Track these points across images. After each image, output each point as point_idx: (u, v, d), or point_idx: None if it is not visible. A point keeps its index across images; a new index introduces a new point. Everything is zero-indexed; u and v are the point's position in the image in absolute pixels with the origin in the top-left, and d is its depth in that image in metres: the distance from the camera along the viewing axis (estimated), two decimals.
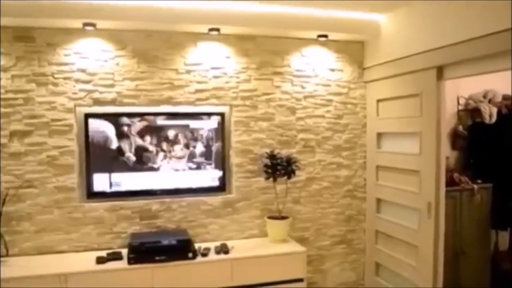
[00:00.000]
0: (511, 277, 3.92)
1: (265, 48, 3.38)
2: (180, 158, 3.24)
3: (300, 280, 3.11)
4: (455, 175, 3.90)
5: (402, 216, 3.30)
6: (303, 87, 3.50)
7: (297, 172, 3.34)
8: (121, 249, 3.04)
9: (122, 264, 2.81)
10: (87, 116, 3.07)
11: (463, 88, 4.12)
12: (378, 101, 3.54)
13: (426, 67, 2.93)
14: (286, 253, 3.12)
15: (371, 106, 3.62)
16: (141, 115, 3.16)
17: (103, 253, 2.94)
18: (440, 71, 2.88)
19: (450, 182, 3.57)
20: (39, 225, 3.01)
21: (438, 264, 2.96)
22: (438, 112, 2.92)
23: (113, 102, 3.09)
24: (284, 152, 3.39)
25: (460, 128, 4.17)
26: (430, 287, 2.96)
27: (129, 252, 2.82)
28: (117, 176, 3.13)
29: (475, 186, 3.86)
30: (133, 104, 3.13)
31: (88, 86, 3.04)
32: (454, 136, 4.18)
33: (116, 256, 2.89)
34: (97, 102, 3.06)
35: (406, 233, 3.23)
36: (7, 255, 2.88)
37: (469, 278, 3.78)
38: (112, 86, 3.08)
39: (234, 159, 3.36)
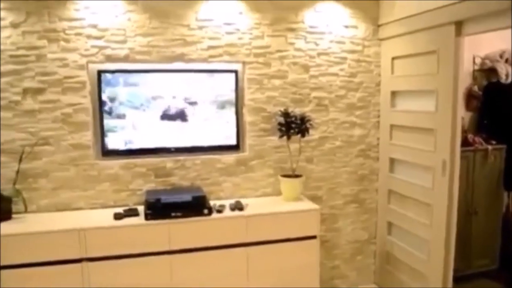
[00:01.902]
0: None
1: (278, 3, 3.30)
2: (193, 116, 3.22)
3: (313, 237, 3.13)
4: (469, 135, 3.89)
5: (416, 175, 3.30)
6: (316, 44, 3.43)
7: (310, 131, 3.32)
8: (137, 206, 3.08)
9: (139, 220, 2.84)
10: (100, 73, 3.04)
11: (479, 47, 4.05)
12: (393, 58, 3.47)
13: (444, 23, 2.85)
14: (299, 211, 3.13)
15: (386, 64, 3.56)
16: (154, 72, 3.12)
17: (120, 210, 2.97)
18: (459, 27, 2.80)
19: (464, 143, 3.56)
20: (56, 182, 3.04)
21: (452, 222, 2.97)
22: (455, 70, 2.86)
23: (125, 59, 3.05)
24: (297, 111, 3.37)
25: (475, 88, 4.12)
26: (443, 244, 2.99)
27: (146, 208, 2.85)
28: (131, 134, 3.12)
29: (489, 147, 3.85)
30: (146, 61, 3.10)
31: (100, 42, 3.00)
32: (469, 97, 4.14)
33: (132, 213, 2.93)
34: (109, 58, 3.03)
35: (420, 192, 3.23)
36: (25, 211, 2.92)
37: (479, 238, 3.83)
38: (124, 42, 3.04)
39: (248, 117, 3.34)
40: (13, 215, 2.89)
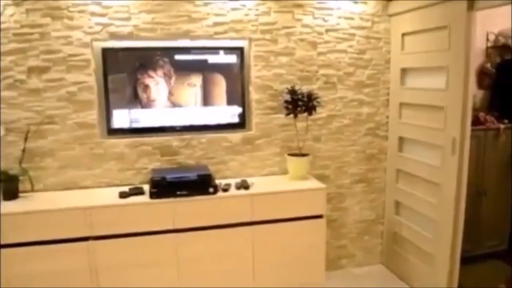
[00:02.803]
0: None
1: None
2: (197, 94, 3.19)
3: (320, 216, 3.11)
4: (481, 114, 3.80)
5: (425, 154, 3.24)
6: (325, 20, 3.35)
7: (317, 109, 3.27)
8: (143, 184, 3.08)
9: (144, 198, 2.84)
10: (104, 50, 3.01)
11: (493, 24, 3.93)
12: (403, 35, 3.38)
13: None
14: (305, 190, 3.11)
15: (396, 40, 3.47)
16: (158, 50, 3.08)
17: (125, 189, 2.97)
18: (471, 1, 2.70)
19: (475, 122, 3.48)
20: (62, 161, 3.04)
21: (460, 202, 2.92)
22: (467, 46, 2.77)
23: (129, 36, 3.01)
24: (304, 88, 3.31)
25: (488, 65, 4.01)
26: (451, 224, 2.95)
27: (151, 187, 2.84)
28: (136, 113, 3.10)
29: (501, 126, 3.77)
30: (150, 38, 3.05)
31: (104, 20, 2.96)
32: (481, 74, 4.04)
33: (138, 191, 2.93)
34: (113, 36, 2.99)
35: (429, 171, 3.18)
36: (32, 190, 2.93)
37: (489, 218, 3.78)
38: (128, 19, 2.99)
39: (254, 95, 3.30)
40: (20, 194, 2.90)
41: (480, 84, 4.04)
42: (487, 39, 3.98)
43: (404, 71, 3.44)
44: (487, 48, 4.01)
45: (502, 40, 3.92)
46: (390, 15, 3.48)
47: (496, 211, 3.83)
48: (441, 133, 3.01)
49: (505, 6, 2.65)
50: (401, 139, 3.54)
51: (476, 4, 2.70)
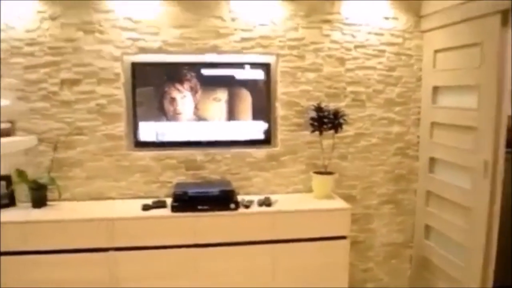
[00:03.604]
0: None
1: None
2: (224, 110, 3.20)
3: (343, 237, 3.02)
4: None
5: (456, 176, 3.10)
6: (353, 36, 3.30)
7: (345, 127, 3.21)
8: (166, 198, 3.10)
9: (166, 212, 2.85)
10: (134, 65, 3.07)
11: None
12: (436, 51, 3.28)
13: (490, 12, 2.65)
14: (329, 209, 3.03)
15: (428, 57, 3.37)
16: (185, 64, 3.12)
17: (149, 201, 3.00)
18: (505, 16, 2.58)
19: (510, 143, 3.31)
20: (90, 171, 3.11)
21: (493, 228, 2.76)
22: (500, 63, 2.66)
23: (158, 50, 3.06)
24: (331, 105, 3.26)
25: None
26: (482, 251, 2.79)
27: (173, 201, 2.86)
28: (162, 126, 3.14)
29: None
30: (178, 52, 3.09)
31: (134, 34, 3.03)
32: None
33: (160, 204, 2.95)
34: (142, 50, 3.05)
35: (460, 194, 3.04)
36: (59, 199, 3.01)
37: None
38: (157, 34, 3.05)
39: (280, 111, 3.27)
40: (48, 202, 2.99)
41: None
42: None
43: (435, 89, 3.33)
44: None
45: None
46: (423, 31, 3.39)
47: None
48: (472, 154, 2.88)
49: None
50: (432, 160, 3.41)
51: (510, 20, 2.58)
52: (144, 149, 3.16)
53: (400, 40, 3.37)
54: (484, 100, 2.76)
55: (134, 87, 3.09)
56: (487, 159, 2.72)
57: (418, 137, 3.53)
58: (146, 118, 3.12)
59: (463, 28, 2.94)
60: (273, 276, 2.94)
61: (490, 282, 2.82)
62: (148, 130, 3.13)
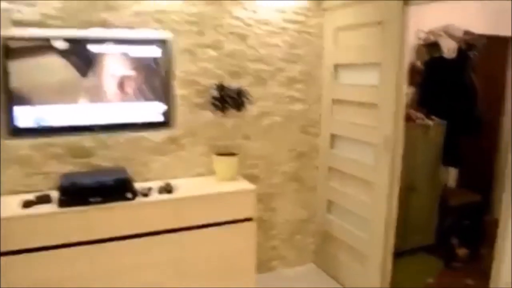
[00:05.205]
0: (456, 213, 4.00)
1: None
2: (116, 90, 2.89)
3: (249, 219, 2.95)
4: (411, 111, 3.81)
5: (357, 152, 3.18)
6: (255, 12, 3.15)
7: (248, 106, 3.09)
8: (51, 191, 2.75)
9: (52, 207, 2.51)
10: (7, 40, 2.61)
11: (423, 22, 3.93)
12: (337, 29, 3.27)
13: None
14: (234, 192, 2.93)
15: (329, 36, 3.35)
16: (71, 41, 2.73)
17: (31, 196, 2.62)
18: None
19: (405, 118, 3.46)
20: None
21: (393, 201, 2.89)
22: (401, 42, 2.71)
23: (37, 24, 2.63)
24: (234, 84, 3.11)
25: (418, 63, 4.02)
26: (383, 223, 2.91)
27: (60, 194, 2.52)
28: (44, 110, 2.75)
29: (430, 123, 3.80)
30: (61, 26, 2.69)
31: (7, 5, 2.55)
32: (412, 71, 4.04)
33: (45, 199, 2.58)
34: (18, 23, 2.60)
35: (361, 169, 3.13)
36: None
37: (417, 214, 3.82)
38: (34, 5, 2.61)
39: (179, 91, 3.05)
40: None
41: (410, 81, 4.05)
42: (418, 37, 3.98)
43: (337, 67, 3.34)
44: (418, 45, 4.01)
45: (432, 38, 3.94)
46: (324, 9, 3.35)
47: (424, 206, 3.88)
48: (373, 130, 2.95)
49: (436, 4, 2.62)
50: (333, 136, 3.46)
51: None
52: (23, 137, 2.74)
53: (302, 18, 3.31)
54: (385, 77, 2.81)
55: (5, 65, 2.64)
56: (388, 134, 2.79)
57: (320, 114, 3.54)
58: (24, 102, 2.70)
59: (365, 7, 2.96)
60: (179, 267, 2.79)
61: (391, 251, 2.96)
62: (27, 115, 2.72)
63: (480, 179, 4.46)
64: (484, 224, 4.17)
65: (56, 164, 2.81)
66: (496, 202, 4.70)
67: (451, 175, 4.39)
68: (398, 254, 3.49)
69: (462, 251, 3.84)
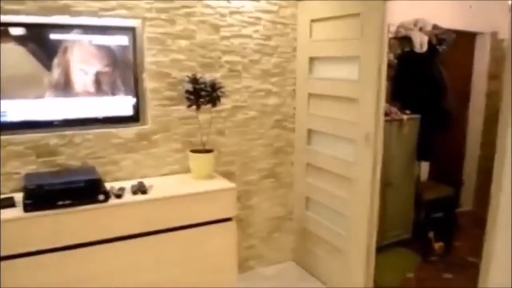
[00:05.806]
0: (431, 207, 4.02)
1: None
2: (82, 82, 2.67)
3: (228, 219, 2.80)
4: (386, 105, 3.78)
5: (336, 148, 3.11)
6: (228, 1, 3.02)
7: (222, 100, 2.95)
8: (14, 193, 2.51)
9: (17, 212, 2.27)
10: None
11: (393, 16, 3.93)
12: (312, 21, 3.19)
13: None
14: (213, 191, 2.76)
15: (303, 27, 3.26)
16: (29, 26, 2.50)
17: None
18: None
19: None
20: None
21: (375, 197, 2.81)
22: (381, 35, 2.65)
23: None
24: (207, 76, 2.96)
25: (391, 56, 4.01)
26: (366, 219, 2.83)
27: (25, 198, 2.29)
28: (2, 104, 2.50)
29: (404, 117, 3.79)
30: (19, 12, 2.46)
31: None
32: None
33: (8, 203, 2.35)
34: None
35: (340, 166, 3.04)
36: None
37: (393, 208, 3.79)
38: None
39: (149, 84, 2.87)
40: None
41: None
42: (389, 31, 3.97)
43: (312, 60, 3.26)
44: (389, 39, 4.00)
45: (403, 31, 3.94)
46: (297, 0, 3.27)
47: (400, 201, 3.87)
48: (354, 126, 2.87)
49: None
50: (310, 132, 3.37)
51: None
52: None
53: (275, 7, 3.20)
54: (365, 71, 2.74)
55: None
56: (369, 130, 2.72)
57: (294, 108, 3.45)
58: None
59: None
60: (157, 271, 2.60)
61: (374, 249, 2.90)
62: None
63: (451, 172, 4.53)
64: (455, 217, 4.23)
65: (18, 164, 2.56)
66: (467, 195, 4.80)
67: (423, 169, 4.41)
68: (377, 250, 3.46)
69: (438, 245, 3.84)
